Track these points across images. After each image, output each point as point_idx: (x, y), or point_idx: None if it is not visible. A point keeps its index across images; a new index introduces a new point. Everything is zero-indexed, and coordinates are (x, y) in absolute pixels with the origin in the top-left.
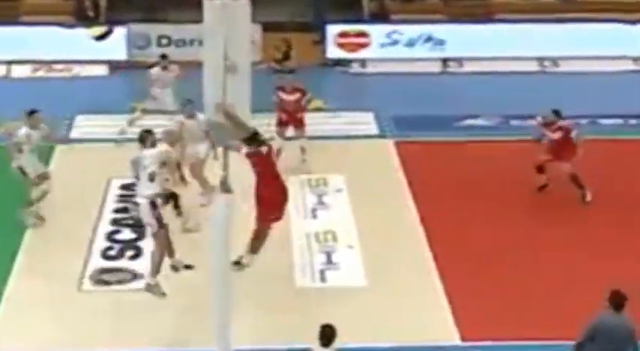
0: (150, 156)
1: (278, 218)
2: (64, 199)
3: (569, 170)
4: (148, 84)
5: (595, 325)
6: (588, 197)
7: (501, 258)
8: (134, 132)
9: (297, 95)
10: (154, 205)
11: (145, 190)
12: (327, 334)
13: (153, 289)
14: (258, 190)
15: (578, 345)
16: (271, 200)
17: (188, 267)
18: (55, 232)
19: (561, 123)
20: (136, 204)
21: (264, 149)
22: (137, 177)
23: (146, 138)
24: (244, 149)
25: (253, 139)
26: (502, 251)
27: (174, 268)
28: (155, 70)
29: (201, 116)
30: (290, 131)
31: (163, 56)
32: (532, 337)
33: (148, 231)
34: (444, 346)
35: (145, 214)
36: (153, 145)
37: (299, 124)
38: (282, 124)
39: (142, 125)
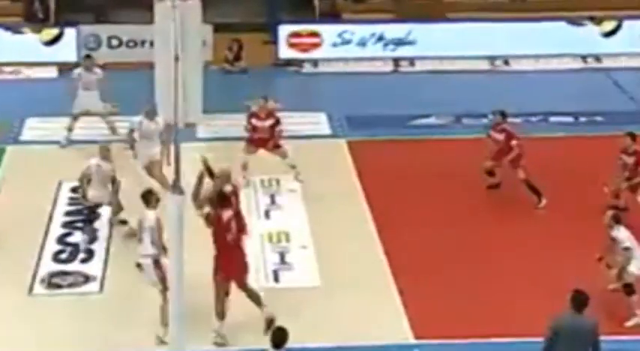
0: (154, 219)
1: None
2: (14, 201)
3: (523, 176)
4: (72, 85)
5: (554, 327)
6: (542, 203)
7: (455, 257)
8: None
9: (271, 121)
10: (157, 263)
11: (148, 250)
12: (279, 337)
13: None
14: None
15: (545, 348)
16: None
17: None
18: (5, 236)
19: (505, 125)
20: (139, 265)
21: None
22: (140, 238)
23: (150, 198)
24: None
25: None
26: (455, 250)
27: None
28: (77, 71)
29: (160, 119)
30: (261, 152)
31: (87, 56)
32: (485, 335)
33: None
34: (399, 345)
35: (150, 274)
36: (157, 202)
37: (275, 147)
38: (252, 142)
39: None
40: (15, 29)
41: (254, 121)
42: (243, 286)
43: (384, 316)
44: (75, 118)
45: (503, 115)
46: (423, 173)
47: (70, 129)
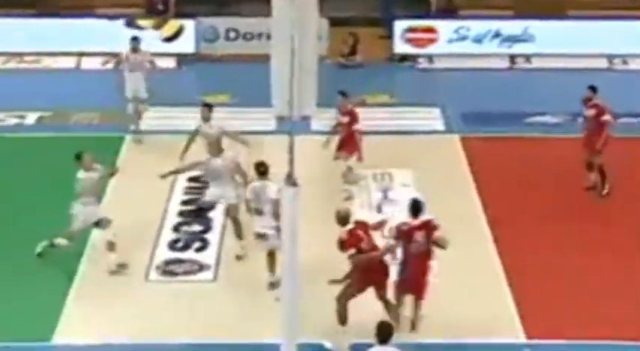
0: (276, 190)
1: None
2: (132, 190)
3: (600, 161)
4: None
5: None
6: (605, 191)
7: (567, 256)
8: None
9: (348, 118)
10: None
11: (271, 222)
12: (385, 332)
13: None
14: None
15: None
16: None
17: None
18: (124, 223)
19: (597, 101)
20: (261, 235)
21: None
22: (260, 211)
23: (265, 169)
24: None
25: None
26: (568, 249)
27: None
28: (125, 51)
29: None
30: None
31: (134, 38)
32: (599, 337)
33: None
34: (510, 344)
35: (274, 240)
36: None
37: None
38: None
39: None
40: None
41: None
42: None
43: (496, 314)
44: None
45: (594, 90)
46: (537, 171)
47: (138, 114)
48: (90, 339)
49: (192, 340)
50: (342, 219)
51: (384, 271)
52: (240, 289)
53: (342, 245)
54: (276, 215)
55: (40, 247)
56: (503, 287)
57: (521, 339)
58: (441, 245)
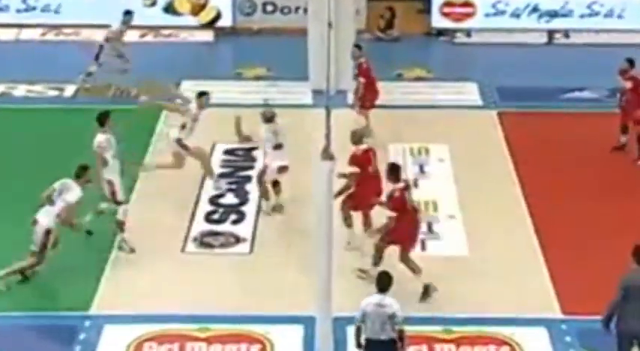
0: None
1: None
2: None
3: (639, 131)
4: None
5: (624, 284)
6: None
7: (603, 231)
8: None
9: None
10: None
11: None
12: (385, 281)
13: None
14: None
15: (611, 309)
16: None
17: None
18: (160, 195)
19: (633, 72)
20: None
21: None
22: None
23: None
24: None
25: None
26: (604, 224)
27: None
28: (114, 27)
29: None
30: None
31: (127, 12)
32: None
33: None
34: (546, 319)
35: None
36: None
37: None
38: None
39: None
40: (172, 11)
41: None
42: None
43: (531, 288)
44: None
45: (631, 62)
46: (574, 147)
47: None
48: (126, 310)
49: (228, 311)
50: (359, 138)
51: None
52: (276, 262)
53: (352, 160)
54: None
55: (86, 224)
56: (539, 263)
57: (557, 314)
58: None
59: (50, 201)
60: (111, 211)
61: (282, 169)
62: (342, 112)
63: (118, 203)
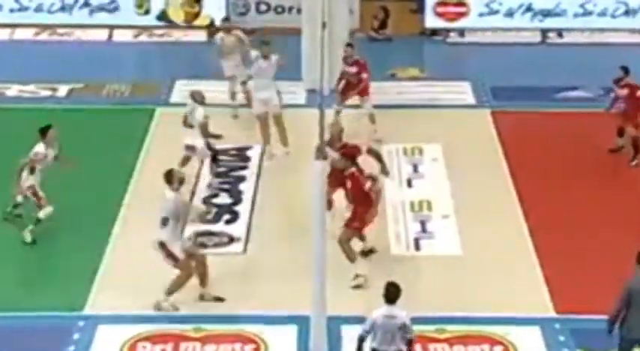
0: None
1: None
2: (163, 162)
3: (635, 133)
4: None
5: (628, 290)
6: (635, 162)
7: (598, 230)
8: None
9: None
10: None
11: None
12: (392, 292)
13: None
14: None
15: (616, 312)
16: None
17: (218, 299)
18: (153, 197)
19: (629, 80)
20: None
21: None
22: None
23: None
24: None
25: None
26: (598, 224)
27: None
28: (219, 36)
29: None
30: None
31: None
32: None
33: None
34: (539, 318)
35: None
36: None
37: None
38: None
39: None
40: (165, 19)
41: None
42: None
43: (525, 288)
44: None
45: (626, 70)
46: (567, 146)
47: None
48: (120, 310)
49: (222, 311)
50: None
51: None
52: (270, 262)
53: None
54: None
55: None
56: (532, 262)
57: (551, 313)
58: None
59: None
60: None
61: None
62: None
63: (41, 206)
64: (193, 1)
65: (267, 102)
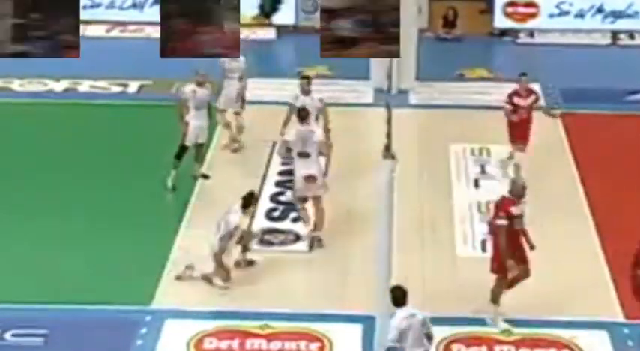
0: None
1: None
2: (232, 158)
3: None
4: None
5: None
6: None
7: None
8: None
9: (532, 97)
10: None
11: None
12: (399, 295)
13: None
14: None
15: None
16: None
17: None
18: (221, 192)
19: None
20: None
21: None
22: (307, 155)
23: (307, 114)
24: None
25: None
26: None
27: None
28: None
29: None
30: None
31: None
32: None
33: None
34: (607, 322)
35: None
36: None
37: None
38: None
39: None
40: None
41: (516, 99)
42: None
43: (593, 292)
44: None
45: None
46: (638, 149)
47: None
48: (187, 305)
49: (288, 309)
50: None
51: None
52: (335, 260)
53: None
54: (320, 155)
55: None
56: (601, 266)
57: (620, 318)
58: None
59: None
60: None
61: (309, 179)
62: (404, 112)
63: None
64: (264, 18)
65: None
